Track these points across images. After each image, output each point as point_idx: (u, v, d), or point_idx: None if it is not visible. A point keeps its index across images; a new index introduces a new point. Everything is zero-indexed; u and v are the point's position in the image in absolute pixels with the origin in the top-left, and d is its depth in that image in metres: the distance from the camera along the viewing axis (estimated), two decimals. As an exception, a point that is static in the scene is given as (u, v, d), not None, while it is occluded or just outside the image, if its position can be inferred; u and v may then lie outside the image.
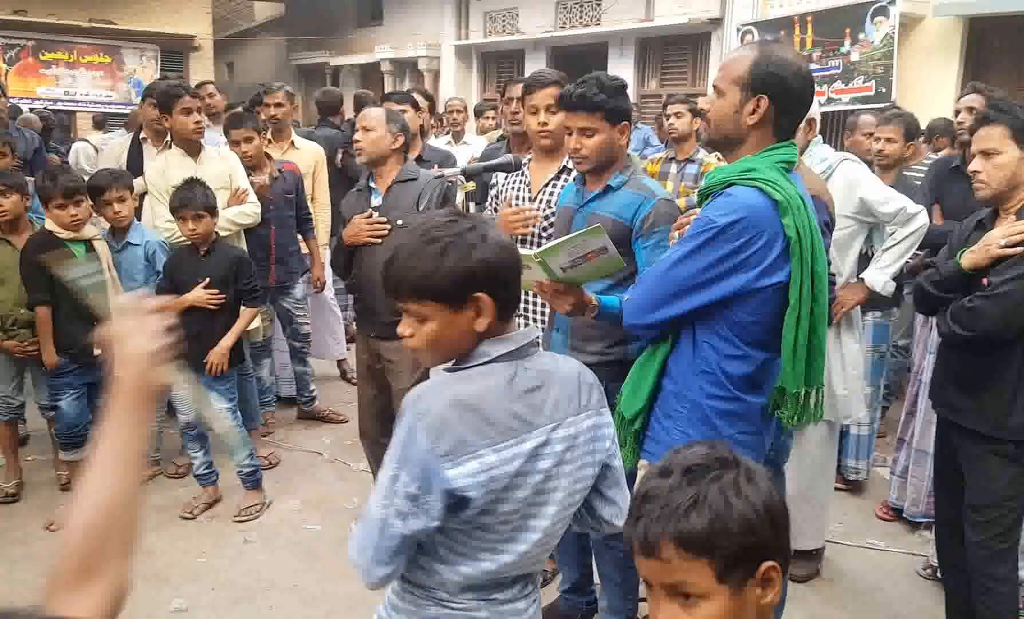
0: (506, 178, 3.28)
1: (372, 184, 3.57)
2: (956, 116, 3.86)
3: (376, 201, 3.52)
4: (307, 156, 5.08)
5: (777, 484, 2.99)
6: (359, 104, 6.81)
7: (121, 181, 3.93)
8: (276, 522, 3.87)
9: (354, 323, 5.72)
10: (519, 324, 3.12)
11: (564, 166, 3.07)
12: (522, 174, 3.23)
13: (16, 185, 3.80)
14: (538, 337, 1.55)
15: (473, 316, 1.43)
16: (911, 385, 3.74)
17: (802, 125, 3.12)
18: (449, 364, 1.52)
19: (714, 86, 2.06)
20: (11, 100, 9.54)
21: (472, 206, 2.84)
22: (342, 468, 4.47)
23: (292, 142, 5.04)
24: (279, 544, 3.68)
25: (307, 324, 4.98)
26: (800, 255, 1.91)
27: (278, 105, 5.04)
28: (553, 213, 2.98)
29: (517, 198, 3.22)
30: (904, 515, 3.78)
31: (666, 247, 2.39)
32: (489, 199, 3.36)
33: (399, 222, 3.42)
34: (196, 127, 4.15)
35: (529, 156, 3.33)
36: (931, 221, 3.58)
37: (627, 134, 2.63)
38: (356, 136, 3.49)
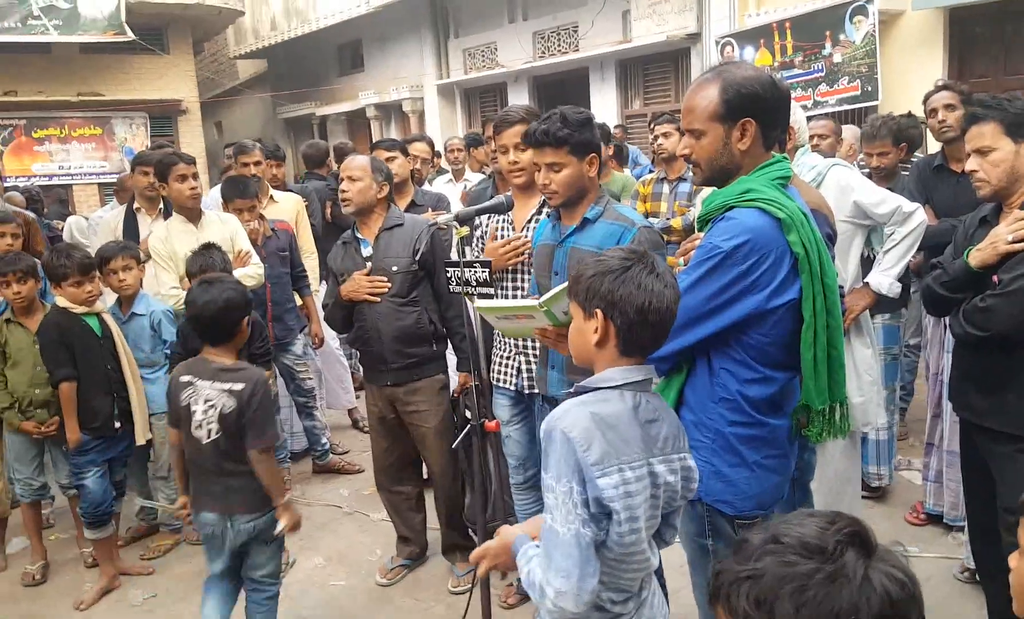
0: (490, 218, 3.27)
1: (358, 234, 3.57)
2: (933, 115, 3.83)
3: (367, 251, 3.53)
4: (288, 207, 5.11)
5: (805, 502, 2.99)
6: (340, 155, 6.87)
7: (128, 251, 3.99)
8: (302, 580, 3.83)
9: (360, 371, 5.76)
10: (513, 361, 3.12)
11: (544, 200, 3.06)
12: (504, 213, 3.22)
13: (32, 270, 3.85)
14: (651, 379, 1.70)
15: (592, 330, 1.62)
16: (932, 387, 3.67)
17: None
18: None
19: (688, 130, 2.02)
20: (7, 179, 9.62)
21: (467, 251, 2.84)
22: (362, 520, 4.44)
23: (271, 197, 5.06)
24: (308, 603, 3.64)
25: (310, 379, 4.98)
26: (810, 270, 1.88)
27: (256, 163, 5.10)
28: None
29: (501, 234, 3.21)
30: (946, 520, 3.69)
31: None
32: (475, 241, 3.35)
33: (394, 268, 3.43)
34: (192, 193, 4.17)
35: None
36: None
37: (596, 166, 2.62)
38: (342, 186, 3.49)
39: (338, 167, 6.74)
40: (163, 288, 4.10)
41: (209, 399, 2.71)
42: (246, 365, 2.86)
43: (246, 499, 2.76)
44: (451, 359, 3.71)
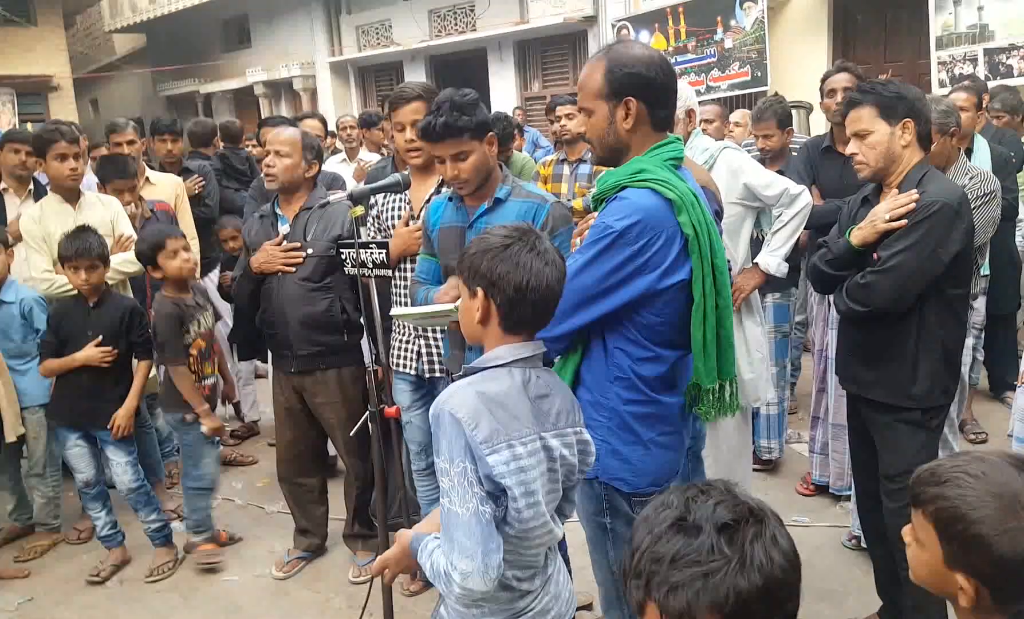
0: (385, 197, 3.19)
1: (278, 210, 3.42)
2: (831, 95, 3.97)
3: (284, 228, 3.38)
4: (167, 189, 4.83)
5: (697, 471, 3.07)
6: (227, 134, 6.54)
7: None
8: (191, 576, 3.66)
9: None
10: (413, 346, 3.06)
11: (442, 180, 3.00)
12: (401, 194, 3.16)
13: None
14: (545, 353, 1.71)
15: (476, 308, 1.63)
16: (817, 362, 3.82)
17: (681, 116, 3.15)
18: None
19: (580, 108, 2.05)
20: None
21: (362, 231, 2.76)
22: (256, 512, 4.28)
23: (148, 178, 4.79)
24: (197, 602, 3.48)
25: None
26: (699, 251, 1.90)
27: (130, 142, 4.78)
28: None
29: (397, 218, 3.14)
30: (831, 490, 3.85)
31: (567, 249, 2.36)
32: (369, 220, 3.26)
33: (309, 250, 3.29)
34: (72, 174, 3.91)
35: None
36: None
37: (495, 144, 2.62)
38: (267, 160, 3.32)
39: (224, 146, 6.50)
40: (35, 271, 3.84)
41: None
42: None
43: None
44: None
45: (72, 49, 17.83)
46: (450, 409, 1.55)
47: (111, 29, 19.41)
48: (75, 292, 3.58)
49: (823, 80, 4.05)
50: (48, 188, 4.21)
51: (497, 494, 1.55)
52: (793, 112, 6.18)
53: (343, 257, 2.99)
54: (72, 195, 3.98)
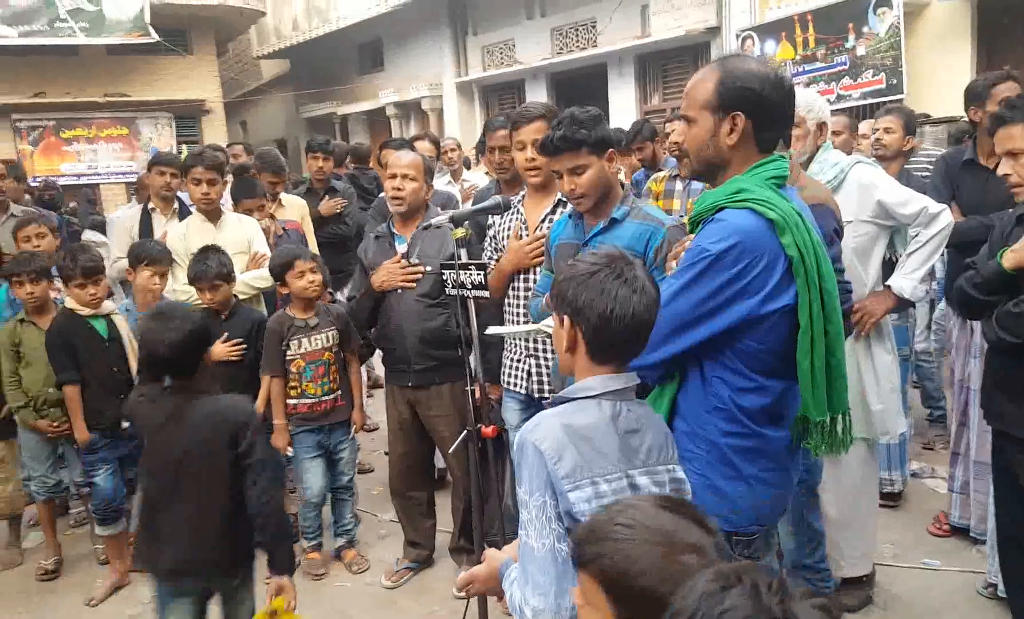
0: (501, 218, 3.22)
1: (393, 230, 3.52)
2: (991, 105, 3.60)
3: (401, 248, 3.48)
4: (296, 210, 5.11)
5: (812, 507, 2.89)
6: (356, 155, 6.87)
7: (158, 266, 3.86)
8: (302, 580, 3.77)
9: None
10: (524, 364, 3.06)
11: (559, 199, 2.99)
12: (516, 212, 3.17)
13: (44, 271, 3.89)
14: (638, 383, 1.65)
15: (564, 335, 1.59)
16: (958, 394, 3.52)
17: (812, 129, 2.99)
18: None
19: (683, 116, 1.96)
20: (36, 179, 9.81)
21: (464, 253, 2.79)
22: (370, 520, 4.41)
23: (279, 201, 5.06)
24: (307, 604, 3.56)
25: None
26: (805, 274, 1.78)
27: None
28: None
29: (512, 236, 3.15)
30: (972, 533, 3.55)
31: None
32: (487, 241, 3.30)
33: (427, 268, 3.37)
34: (203, 198, 4.20)
35: (522, 192, 3.27)
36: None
37: (615, 161, 2.58)
38: (395, 184, 3.41)
39: (353, 167, 6.81)
40: (178, 285, 4.12)
41: None
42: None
43: None
44: None
45: (223, 75, 19.15)
46: (534, 440, 1.51)
47: (258, 55, 20.76)
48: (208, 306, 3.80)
49: (983, 88, 3.70)
50: (192, 207, 4.54)
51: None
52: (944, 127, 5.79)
53: (444, 277, 3.05)
54: (214, 214, 4.25)
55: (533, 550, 1.49)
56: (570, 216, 2.72)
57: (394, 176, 3.42)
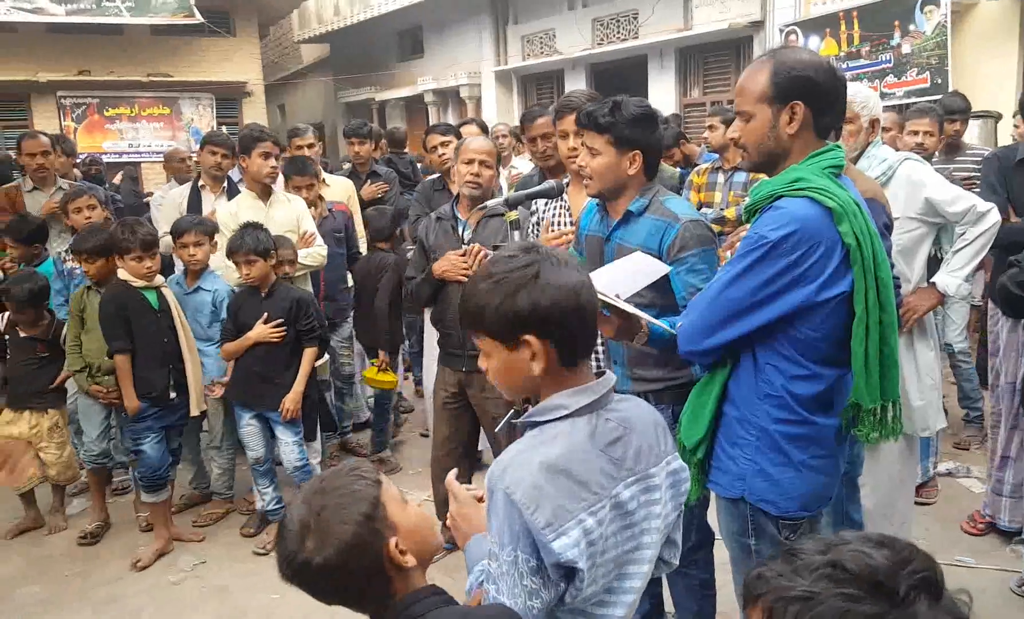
0: (546, 205, 3.24)
1: (457, 213, 3.54)
2: None
3: (467, 234, 3.49)
4: (339, 190, 5.19)
5: (852, 499, 2.90)
6: (392, 140, 6.93)
7: (202, 228, 4.08)
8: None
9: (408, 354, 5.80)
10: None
11: None
12: (562, 200, 3.18)
13: (101, 248, 3.94)
14: (616, 381, 1.47)
15: (528, 358, 1.35)
16: (1010, 396, 3.49)
17: (865, 125, 2.99)
18: (525, 412, 1.44)
19: (737, 112, 1.98)
20: (81, 156, 10.07)
21: (516, 235, 2.81)
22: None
23: (324, 180, 5.14)
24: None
25: (350, 365, 5.06)
26: (862, 262, 1.81)
27: (310, 146, 5.21)
28: None
29: (556, 224, 3.17)
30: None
31: (699, 271, 2.32)
32: (531, 227, 3.31)
33: (490, 253, 3.39)
34: (272, 171, 4.31)
35: (566, 179, 3.28)
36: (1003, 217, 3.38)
37: (637, 164, 2.43)
38: (473, 170, 3.39)
39: (390, 151, 6.88)
40: (225, 260, 4.21)
41: None
42: None
43: None
44: None
45: (264, 58, 19.36)
46: (504, 488, 1.30)
47: (299, 39, 20.89)
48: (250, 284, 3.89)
49: None
50: (240, 185, 4.64)
51: (559, 581, 1.32)
52: (980, 122, 5.72)
53: None
54: (264, 193, 4.35)
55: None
56: (597, 205, 2.68)
57: (471, 162, 3.40)
